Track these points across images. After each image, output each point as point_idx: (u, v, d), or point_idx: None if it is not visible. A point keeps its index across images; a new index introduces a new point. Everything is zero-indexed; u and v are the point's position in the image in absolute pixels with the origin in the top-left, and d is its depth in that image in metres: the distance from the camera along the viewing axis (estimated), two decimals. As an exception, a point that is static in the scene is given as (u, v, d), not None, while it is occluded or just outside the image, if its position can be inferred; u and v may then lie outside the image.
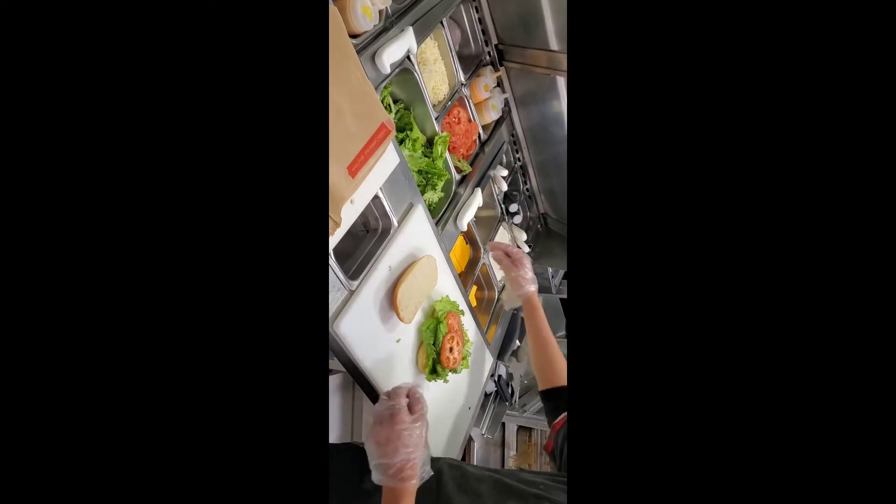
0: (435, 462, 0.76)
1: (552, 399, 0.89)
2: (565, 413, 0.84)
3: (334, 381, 1.67)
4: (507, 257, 1.07)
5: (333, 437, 1.67)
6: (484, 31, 1.27)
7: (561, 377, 0.90)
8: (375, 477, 0.65)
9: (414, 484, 0.65)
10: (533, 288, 1.04)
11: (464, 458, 1.47)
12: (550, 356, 0.94)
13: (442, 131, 1.12)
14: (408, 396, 0.70)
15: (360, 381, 0.89)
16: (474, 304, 1.33)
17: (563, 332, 2.04)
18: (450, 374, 1.02)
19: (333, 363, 0.99)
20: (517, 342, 1.51)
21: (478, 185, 1.26)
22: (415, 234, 0.97)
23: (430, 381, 1.00)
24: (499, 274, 1.38)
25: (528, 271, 1.05)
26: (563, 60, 1.14)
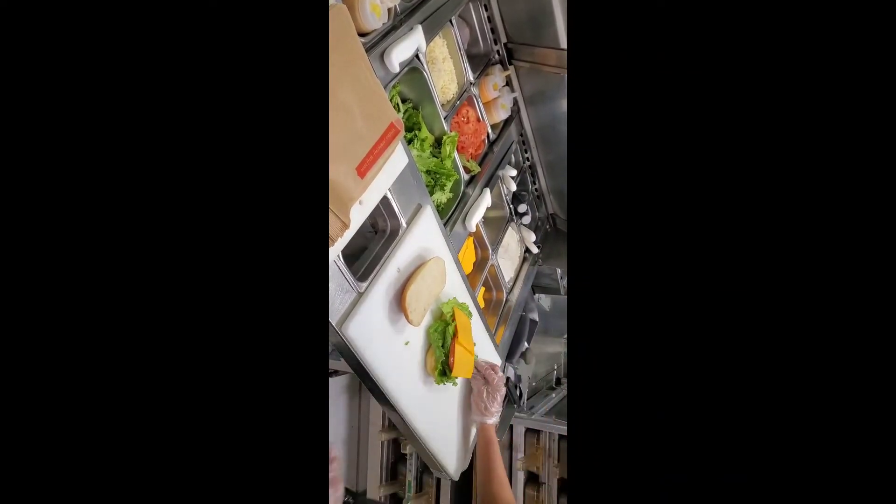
0: None
1: None
2: None
3: (342, 382, 1.67)
4: (485, 381, 1.09)
5: (340, 437, 1.67)
6: (493, 30, 1.26)
7: None
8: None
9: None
10: (492, 421, 1.08)
11: (472, 462, 1.46)
12: (496, 493, 0.97)
13: (451, 131, 1.10)
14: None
15: (368, 383, 0.88)
16: (482, 305, 1.31)
17: (570, 334, 2.02)
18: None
19: (341, 364, 0.98)
20: (526, 344, 1.49)
21: (486, 185, 1.25)
22: (423, 236, 0.96)
23: (439, 383, 0.99)
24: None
25: (496, 404, 1.08)
26: (573, 59, 1.13)
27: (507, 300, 1.45)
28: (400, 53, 0.88)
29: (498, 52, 1.29)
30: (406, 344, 0.92)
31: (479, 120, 1.23)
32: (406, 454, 1.63)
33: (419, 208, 0.96)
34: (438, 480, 1.61)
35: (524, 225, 1.51)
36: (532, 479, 1.56)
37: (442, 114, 1.07)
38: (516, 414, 1.56)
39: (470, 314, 1.08)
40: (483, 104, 1.25)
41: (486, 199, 1.21)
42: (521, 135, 1.44)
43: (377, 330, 0.85)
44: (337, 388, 1.66)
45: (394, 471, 1.71)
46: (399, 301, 0.88)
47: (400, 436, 1.64)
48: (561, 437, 1.52)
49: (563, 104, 1.30)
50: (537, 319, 1.63)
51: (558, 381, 1.91)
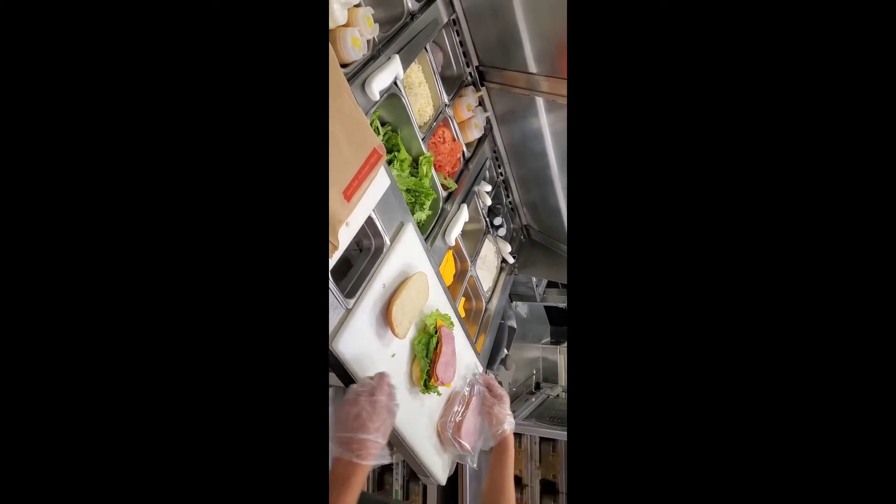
0: None
1: None
2: None
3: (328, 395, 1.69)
4: (489, 391, 1.07)
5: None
6: (465, 54, 1.32)
7: None
8: (333, 449, 0.67)
9: (369, 465, 0.68)
10: (510, 428, 1.02)
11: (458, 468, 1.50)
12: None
13: (428, 151, 1.16)
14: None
15: (357, 395, 0.92)
16: (463, 315, 1.37)
17: (547, 339, 2.10)
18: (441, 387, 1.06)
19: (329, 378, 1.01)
20: (505, 351, 1.55)
21: (464, 200, 1.31)
22: (406, 252, 1.01)
23: (424, 393, 1.03)
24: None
25: (507, 407, 1.04)
26: (540, 82, 1.20)
27: (486, 309, 1.50)
28: (380, 82, 0.93)
29: (470, 74, 1.36)
30: (393, 356, 0.96)
31: (454, 139, 1.30)
32: (393, 463, 1.67)
33: (401, 226, 1.01)
34: (425, 487, 1.65)
35: (500, 237, 1.58)
36: (515, 482, 1.61)
37: (419, 135, 1.13)
38: (498, 419, 1.62)
39: (452, 325, 1.13)
40: (458, 124, 1.31)
41: (464, 215, 1.27)
42: (495, 151, 1.51)
43: (365, 344, 0.89)
44: (322, 402, 1.68)
45: (381, 480, 1.74)
46: (385, 315, 0.93)
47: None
48: (542, 439, 1.58)
49: (533, 122, 1.37)
50: (515, 326, 1.69)
51: (538, 386, 1.97)
